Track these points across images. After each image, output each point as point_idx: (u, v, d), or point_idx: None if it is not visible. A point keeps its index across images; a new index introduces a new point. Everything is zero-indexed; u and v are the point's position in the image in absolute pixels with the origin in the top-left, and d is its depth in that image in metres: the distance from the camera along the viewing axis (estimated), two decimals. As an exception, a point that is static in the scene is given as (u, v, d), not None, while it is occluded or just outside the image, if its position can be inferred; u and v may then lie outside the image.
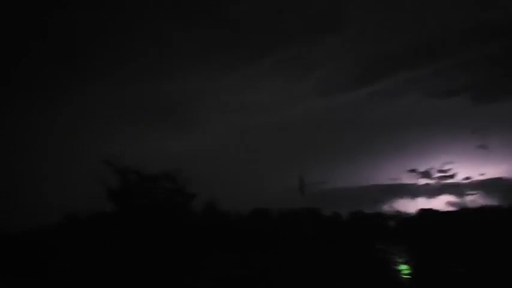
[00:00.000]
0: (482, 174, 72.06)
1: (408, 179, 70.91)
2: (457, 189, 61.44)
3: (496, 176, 74.91)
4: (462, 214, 44.43)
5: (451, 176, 68.49)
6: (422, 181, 69.22)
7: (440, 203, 62.58)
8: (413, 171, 70.39)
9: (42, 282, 21.45)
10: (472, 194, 61.36)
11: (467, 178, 68.28)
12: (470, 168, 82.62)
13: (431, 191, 64.29)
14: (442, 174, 68.45)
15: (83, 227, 26.89)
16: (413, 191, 63.08)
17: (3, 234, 30.15)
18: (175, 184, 31.03)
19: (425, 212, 46.62)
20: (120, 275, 22.41)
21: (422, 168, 73.89)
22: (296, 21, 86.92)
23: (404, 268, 20.58)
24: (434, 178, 68.90)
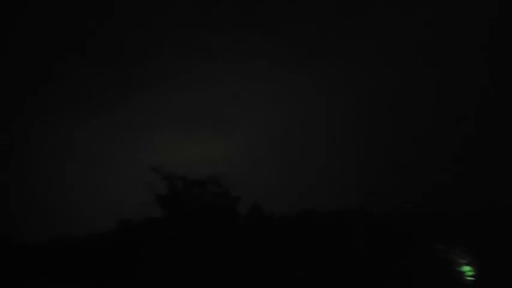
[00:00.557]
0: None
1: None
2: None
3: None
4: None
5: None
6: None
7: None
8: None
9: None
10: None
11: None
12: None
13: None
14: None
15: (137, 232, 28.02)
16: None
17: (64, 240, 32.25)
18: (221, 188, 31.59)
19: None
20: (177, 277, 23.02)
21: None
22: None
23: (467, 270, 19.26)
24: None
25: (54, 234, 33.25)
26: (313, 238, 29.54)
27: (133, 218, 30.25)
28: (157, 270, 24.73)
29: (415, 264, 24.60)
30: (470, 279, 16.68)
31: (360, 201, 31.85)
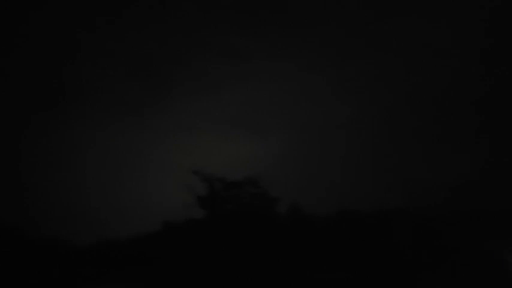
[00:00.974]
0: None
1: None
2: None
3: None
4: None
5: None
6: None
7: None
8: None
9: None
10: None
11: None
12: None
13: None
14: None
15: (179, 233, 28.82)
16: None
17: (111, 242, 33.74)
18: (259, 189, 31.82)
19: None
20: (218, 277, 23.42)
21: None
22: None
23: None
24: None
25: (102, 237, 34.97)
26: (354, 238, 29.01)
27: (175, 220, 31.17)
28: (200, 271, 25.26)
29: (463, 265, 23.53)
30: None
31: (404, 200, 30.92)
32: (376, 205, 31.39)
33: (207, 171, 31.41)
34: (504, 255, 23.97)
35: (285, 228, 30.02)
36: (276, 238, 28.98)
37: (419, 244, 27.62)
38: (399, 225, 28.82)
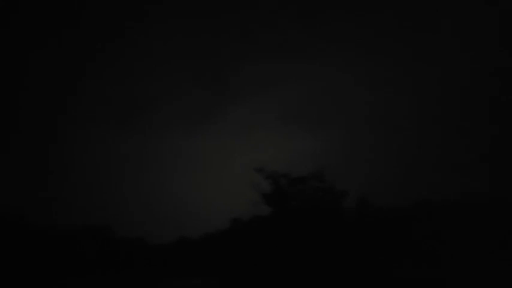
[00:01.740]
0: None
1: None
2: None
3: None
4: None
5: None
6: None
7: None
8: None
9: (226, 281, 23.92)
10: None
11: None
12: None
13: None
14: None
15: (246, 229, 29.29)
16: None
17: (185, 240, 35.63)
18: (324, 183, 30.93)
19: None
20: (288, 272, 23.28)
21: None
22: None
23: None
24: None
25: (176, 236, 37.20)
26: (434, 231, 26.78)
27: (242, 217, 31.73)
28: (268, 266, 25.35)
29: None
30: None
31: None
32: (454, 195, 28.61)
33: (271, 168, 31.39)
34: None
35: (355, 222, 28.81)
36: (345, 233, 27.96)
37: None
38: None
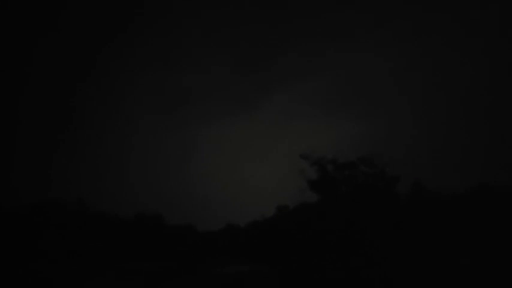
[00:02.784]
0: None
1: None
2: None
3: None
4: None
5: None
6: None
7: None
8: None
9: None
10: None
11: None
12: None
13: None
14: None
15: (293, 216, 28.86)
16: None
17: (233, 227, 36.02)
18: (375, 168, 29.49)
19: None
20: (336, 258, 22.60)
21: None
22: None
23: None
24: None
25: (225, 222, 37.76)
26: (495, 216, 24.51)
27: (288, 204, 31.30)
28: (316, 253, 24.76)
29: None
30: None
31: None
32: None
33: (317, 154, 30.46)
34: None
35: (409, 208, 27.19)
36: (398, 219, 26.51)
37: None
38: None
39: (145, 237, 38.36)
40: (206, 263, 31.75)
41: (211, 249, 35.79)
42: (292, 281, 20.83)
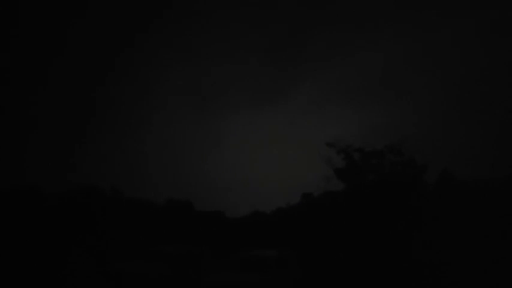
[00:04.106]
0: None
1: None
2: None
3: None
4: None
5: None
6: None
7: None
8: None
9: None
10: None
11: None
12: None
13: None
14: None
15: (318, 205, 29.13)
16: None
17: (258, 214, 36.75)
18: (402, 157, 29.08)
19: None
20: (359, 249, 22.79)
21: None
22: None
23: None
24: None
25: (249, 209, 38.57)
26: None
27: (312, 192, 31.55)
28: (343, 241, 25.01)
29: None
30: None
31: None
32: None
33: (343, 143, 30.38)
34: None
35: (437, 198, 26.74)
36: (426, 209, 26.17)
37: None
38: None
39: (176, 221, 39.97)
40: (235, 247, 32.72)
41: (239, 235, 36.80)
42: (315, 266, 21.28)
